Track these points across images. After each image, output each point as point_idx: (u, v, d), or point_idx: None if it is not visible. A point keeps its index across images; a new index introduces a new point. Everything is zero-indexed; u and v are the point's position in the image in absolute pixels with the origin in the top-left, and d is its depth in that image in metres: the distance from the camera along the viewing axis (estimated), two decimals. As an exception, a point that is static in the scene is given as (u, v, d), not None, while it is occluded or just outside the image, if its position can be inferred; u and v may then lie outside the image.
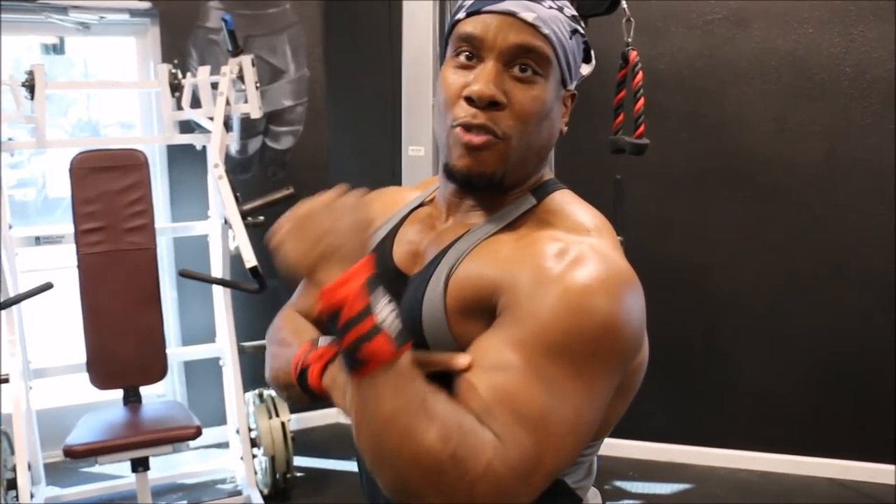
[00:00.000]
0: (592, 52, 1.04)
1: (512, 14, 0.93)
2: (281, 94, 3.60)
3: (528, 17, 0.93)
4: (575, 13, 0.99)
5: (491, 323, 0.89)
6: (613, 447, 3.46)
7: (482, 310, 0.91)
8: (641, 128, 2.44)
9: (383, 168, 3.04)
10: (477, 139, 0.93)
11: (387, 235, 1.10)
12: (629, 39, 2.44)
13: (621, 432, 3.38)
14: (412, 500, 0.81)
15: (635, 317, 0.89)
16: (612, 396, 0.89)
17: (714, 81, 3.19)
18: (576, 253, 0.89)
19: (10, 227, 3.03)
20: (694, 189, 3.28)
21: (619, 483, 3.23)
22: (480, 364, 0.87)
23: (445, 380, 0.87)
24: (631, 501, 3.12)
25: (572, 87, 1.01)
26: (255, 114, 3.15)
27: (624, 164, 2.63)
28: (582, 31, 1.00)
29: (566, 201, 1.00)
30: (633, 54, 2.43)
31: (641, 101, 2.44)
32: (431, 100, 2.54)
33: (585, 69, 1.04)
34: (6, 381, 2.93)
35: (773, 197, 3.20)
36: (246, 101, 3.14)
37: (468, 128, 0.94)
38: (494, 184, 0.97)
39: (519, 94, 0.94)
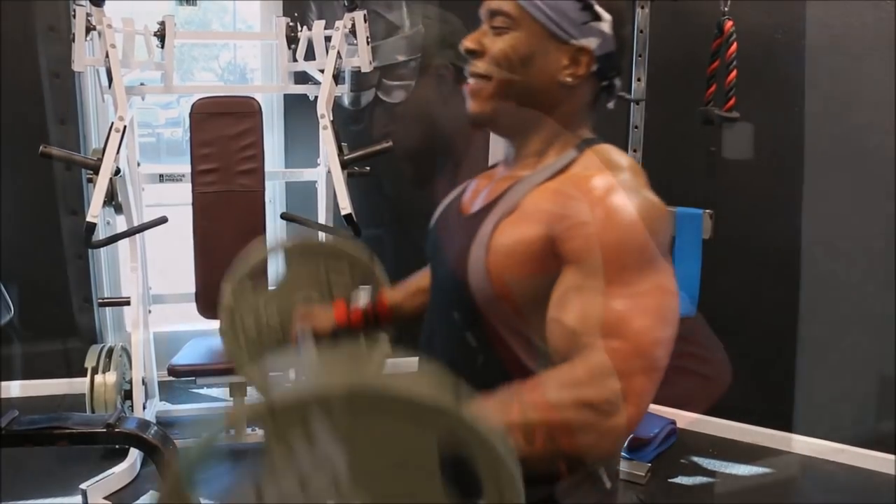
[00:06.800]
0: (600, 9, 1.08)
1: None
2: (395, 49, 3.69)
3: None
4: None
5: (541, 271, 1.01)
6: (695, 422, 3.42)
7: (532, 261, 1.02)
8: (732, 100, 2.36)
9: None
10: (470, 85, 1.13)
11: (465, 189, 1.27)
12: (726, 8, 2.36)
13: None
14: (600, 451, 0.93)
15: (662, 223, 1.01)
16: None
17: (839, 55, 3.00)
18: (610, 184, 1.01)
19: (139, 164, 3.32)
20: (802, 168, 3.11)
21: (696, 458, 3.20)
22: (562, 303, 0.98)
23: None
24: (706, 478, 3.08)
25: (578, 41, 1.08)
26: (365, 67, 3.27)
27: (729, 136, 2.55)
28: None
29: (604, 151, 1.11)
30: (729, 24, 2.36)
31: (734, 72, 2.36)
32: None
33: (604, 26, 1.08)
34: (127, 303, 3.25)
35: (888, 184, 3.00)
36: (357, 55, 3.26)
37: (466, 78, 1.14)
38: (489, 120, 1.14)
39: (490, 43, 1.11)
